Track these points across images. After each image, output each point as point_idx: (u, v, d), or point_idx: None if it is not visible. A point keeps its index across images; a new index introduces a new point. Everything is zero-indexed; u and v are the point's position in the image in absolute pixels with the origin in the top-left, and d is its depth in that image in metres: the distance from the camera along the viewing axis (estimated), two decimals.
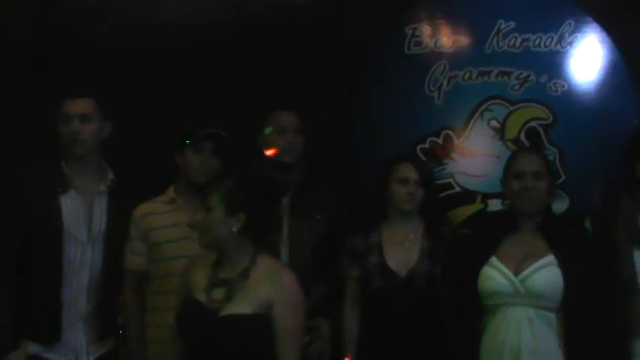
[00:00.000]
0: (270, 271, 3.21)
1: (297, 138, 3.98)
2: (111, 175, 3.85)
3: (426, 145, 4.43)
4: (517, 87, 4.38)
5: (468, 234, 3.98)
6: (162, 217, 3.86)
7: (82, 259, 3.75)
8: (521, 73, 4.38)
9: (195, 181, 3.83)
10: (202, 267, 3.27)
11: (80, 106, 3.78)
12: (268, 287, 3.16)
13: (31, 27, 4.45)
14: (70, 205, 3.75)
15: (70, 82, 4.15)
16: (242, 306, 3.14)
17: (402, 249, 3.83)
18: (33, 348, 3.72)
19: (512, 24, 4.39)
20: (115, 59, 4.39)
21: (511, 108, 4.39)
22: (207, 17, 4.49)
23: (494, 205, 4.35)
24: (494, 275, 3.56)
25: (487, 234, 3.73)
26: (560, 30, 4.36)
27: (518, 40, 4.39)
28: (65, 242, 3.71)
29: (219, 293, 3.19)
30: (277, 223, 3.90)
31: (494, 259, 3.59)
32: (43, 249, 3.70)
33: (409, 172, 3.86)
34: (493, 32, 4.40)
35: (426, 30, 4.48)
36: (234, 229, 3.19)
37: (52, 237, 3.69)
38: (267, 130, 3.97)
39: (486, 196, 4.39)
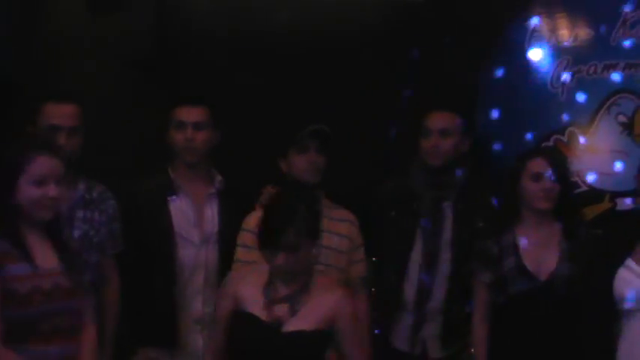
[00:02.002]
0: (326, 287, 3.28)
1: (442, 140, 3.89)
2: (219, 178, 3.87)
3: (550, 144, 4.30)
4: None
5: (600, 234, 3.80)
6: None
7: (195, 262, 3.78)
8: None
9: (305, 182, 3.76)
10: (251, 284, 3.27)
11: (195, 114, 3.83)
12: (329, 302, 3.22)
13: (148, 36, 4.51)
14: (179, 208, 3.80)
15: (182, 90, 4.18)
16: (305, 321, 3.18)
17: (540, 251, 3.64)
18: (152, 353, 3.77)
19: None
20: (226, 68, 4.42)
21: None
22: (316, 21, 4.49)
23: (623, 204, 4.17)
24: (631, 278, 3.40)
25: (621, 234, 3.55)
26: None
27: None
28: (177, 245, 3.75)
29: (281, 309, 3.19)
30: (437, 227, 3.86)
31: (630, 262, 3.42)
32: (156, 253, 3.75)
33: (543, 167, 3.65)
34: (618, 23, 4.24)
35: (547, 24, 4.35)
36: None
37: (164, 241, 3.75)
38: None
39: (615, 195, 4.22)
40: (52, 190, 2.97)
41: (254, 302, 3.22)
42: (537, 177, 3.65)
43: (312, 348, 3.19)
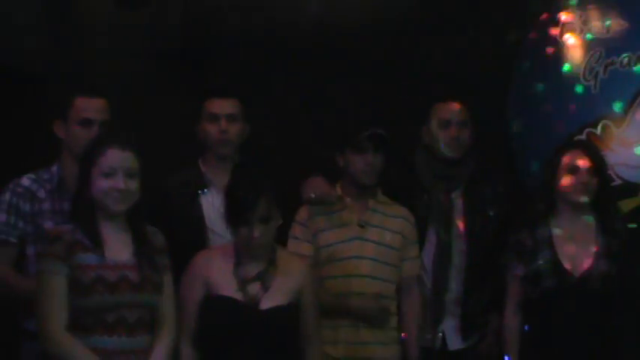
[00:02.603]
0: (289, 260, 3.39)
1: (462, 131, 3.89)
2: None
3: (583, 137, 4.20)
4: None
5: (634, 229, 3.75)
6: (330, 217, 3.80)
7: None
8: None
9: (362, 183, 3.78)
10: (219, 268, 3.28)
11: (228, 105, 3.83)
12: (294, 275, 3.32)
13: (177, 27, 4.52)
14: (210, 202, 3.79)
15: (213, 82, 4.18)
16: (278, 297, 3.26)
17: (576, 246, 3.59)
18: None
19: None
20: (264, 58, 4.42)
21: None
22: (344, 15, 4.48)
23: None
24: None
25: None
26: None
27: None
28: (209, 240, 3.74)
29: (254, 288, 3.23)
30: (447, 218, 3.83)
31: None
32: (188, 248, 3.66)
33: (580, 159, 3.61)
34: None
35: (579, 16, 4.28)
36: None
37: (196, 235, 3.74)
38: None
39: None
40: (119, 183, 3.02)
41: (226, 285, 3.25)
42: (574, 170, 3.60)
43: (291, 321, 3.26)
